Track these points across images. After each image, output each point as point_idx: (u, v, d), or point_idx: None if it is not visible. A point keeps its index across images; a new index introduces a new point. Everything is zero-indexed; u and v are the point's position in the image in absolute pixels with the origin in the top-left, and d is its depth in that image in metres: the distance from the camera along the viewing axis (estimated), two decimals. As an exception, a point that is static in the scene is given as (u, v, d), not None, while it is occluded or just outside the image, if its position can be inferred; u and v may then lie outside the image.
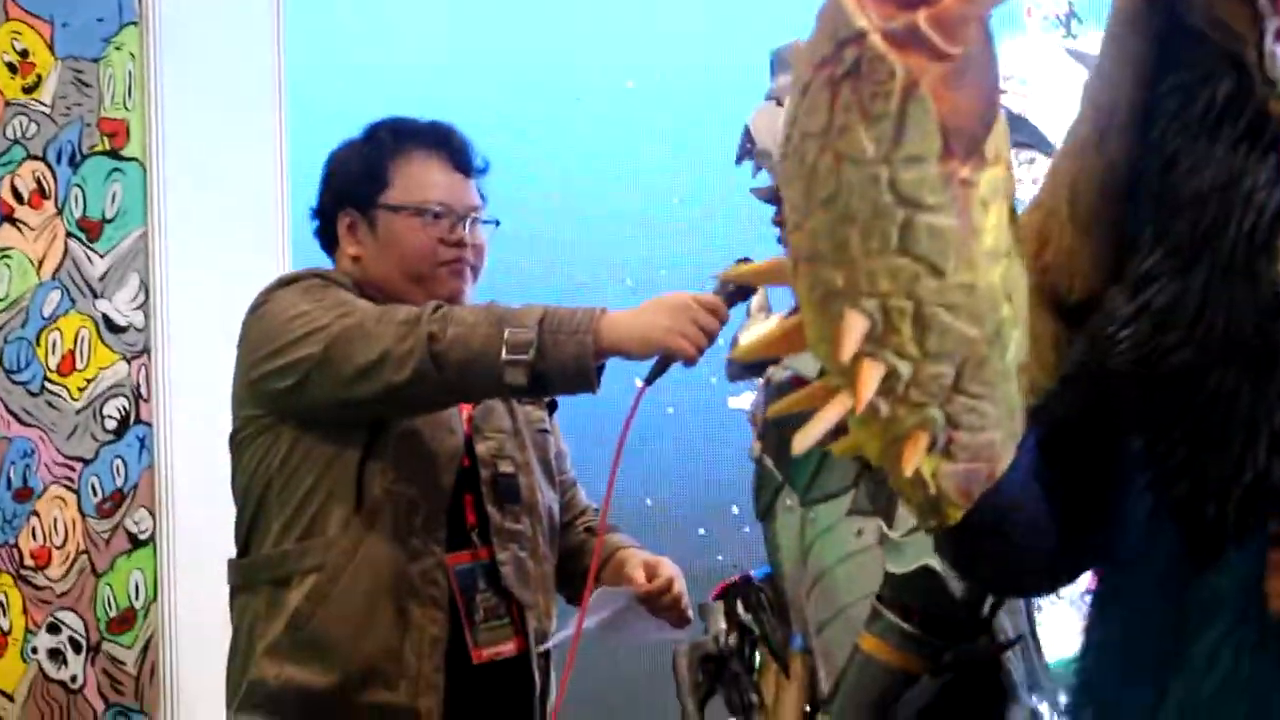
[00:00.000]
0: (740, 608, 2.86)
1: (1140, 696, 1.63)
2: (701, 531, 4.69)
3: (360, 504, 3.00)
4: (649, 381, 2.86)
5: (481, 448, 3.13)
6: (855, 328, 1.49)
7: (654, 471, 4.65)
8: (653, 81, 4.85)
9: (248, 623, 3.09)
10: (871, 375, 1.49)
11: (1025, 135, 3.01)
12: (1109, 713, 1.70)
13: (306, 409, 3.01)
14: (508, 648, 3.10)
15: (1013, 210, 1.53)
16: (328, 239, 3.22)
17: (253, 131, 4.71)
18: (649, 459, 4.62)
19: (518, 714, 3.12)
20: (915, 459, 1.53)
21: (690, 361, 2.85)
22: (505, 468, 3.14)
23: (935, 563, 2.58)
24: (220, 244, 4.64)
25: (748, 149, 2.85)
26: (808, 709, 2.77)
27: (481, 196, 3.20)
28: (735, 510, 4.70)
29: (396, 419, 3.02)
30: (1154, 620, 1.65)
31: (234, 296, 4.57)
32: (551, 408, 3.33)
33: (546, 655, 3.15)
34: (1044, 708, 2.83)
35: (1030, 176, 3.92)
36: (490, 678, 3.08)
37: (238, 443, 3.13)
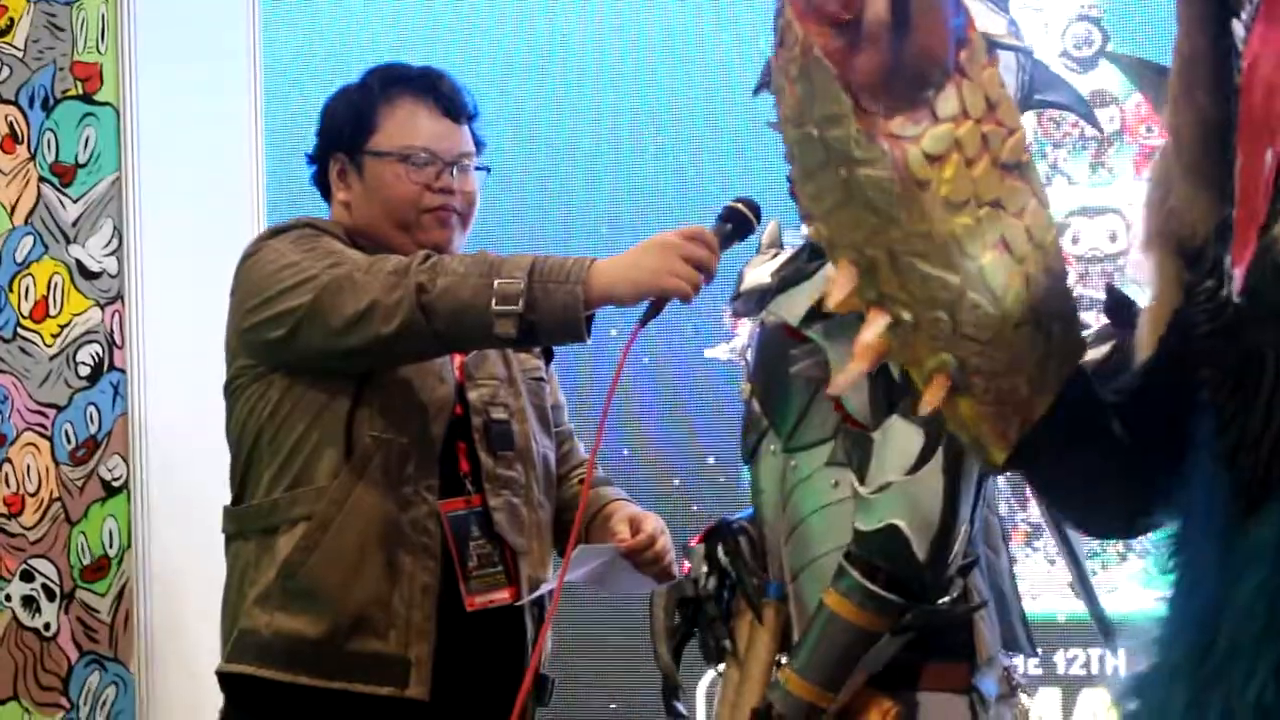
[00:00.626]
0: (720, 551, 2.86)
1: (1199, 637, 1.67)
2: (677, 482, 4.68)
3: (350, 453, 2.99)
4: (643, 323, 2.85)
5: (474, 395, 3.12)
6: (843, 275, 1.56)
7: (631, 422, 4.65)
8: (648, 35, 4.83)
9: (239, 571, 3.09)
10: (874, 320, 1.56)
11: (1063, 97, 3.00)
12: (1173, 653, 1.73)
13: (296, 359, 3.00)
14: (501, 595, 3.10)
15: (998, 164, 1.57)
16: (323, 185, 3.21)
17: (227, 76, 4.68)
18: (626, 410, 4.61)
19: (510, 662, 3.12)
20: (935, 399, 1.60)
21: (685, 298, 2.83)
22: (498, 414, 3.13)
23: (902, 522, 2.59)
24: (194, 189, 4.61)
25: (766, 81, 2.83)
26: (780, 658, 2.76)
27: (478, 143, 3.19)
28: (711, 460, 4.70)
29: (385, 368, 3.01)
30: (1210, 568, 1.68)
31: (208, 242, 4.57)
32: (548, 357, 3.31)
33: (540, 604, 3.14)
34: (1020, 662, 2.83)
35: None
36: (483, 626, 3.08)
37: (231, 392, 3.12)
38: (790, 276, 2.79)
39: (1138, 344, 1.91)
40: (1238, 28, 1.67)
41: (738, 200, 2.90)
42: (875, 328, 1.57)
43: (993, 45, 2.84)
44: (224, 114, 4.67)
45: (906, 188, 1.52)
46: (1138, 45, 4.66)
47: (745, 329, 2.93)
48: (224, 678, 3.09)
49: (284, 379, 3.03)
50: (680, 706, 2.88)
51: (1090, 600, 2.79)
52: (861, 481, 2.66)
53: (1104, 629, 2.80)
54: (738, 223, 2.87)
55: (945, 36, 1.53)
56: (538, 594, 3.11)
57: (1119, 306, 1.96)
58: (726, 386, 4.56)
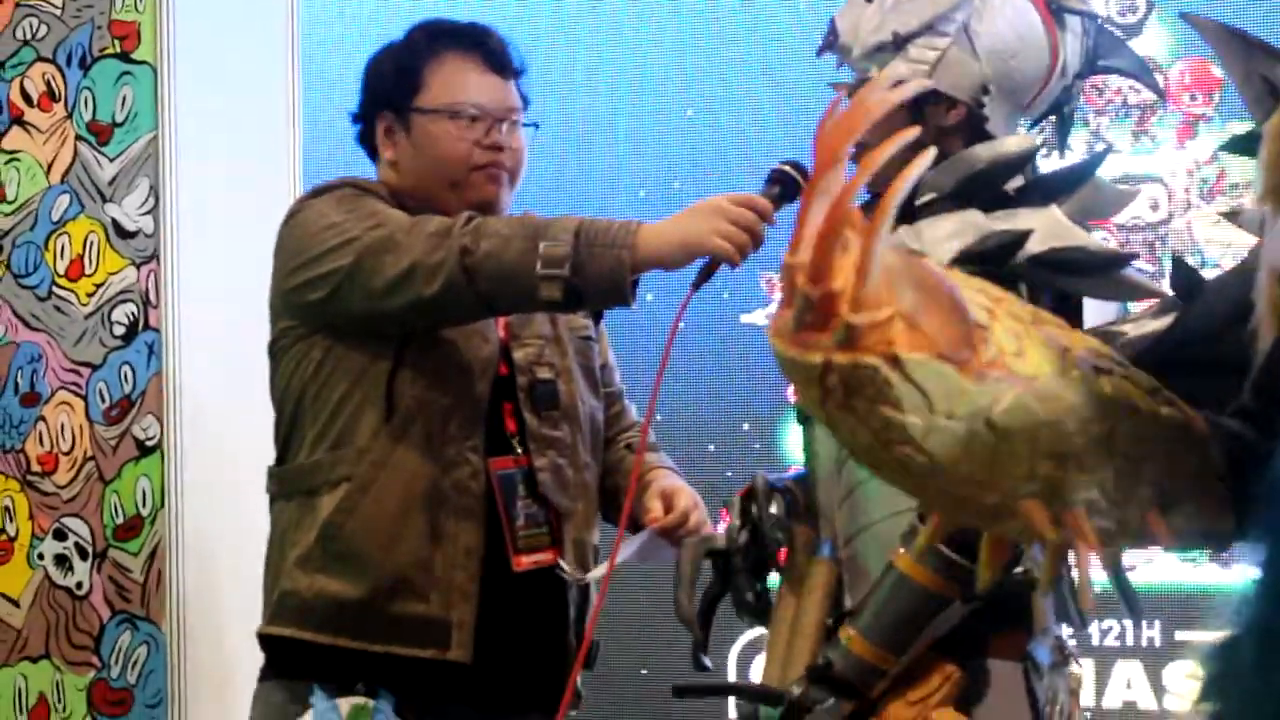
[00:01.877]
0: (752, 508, 2.84)
1: (1273, 605, 1.68)
2: (711, 448, 4.67)
3: (390, 413, 2.97)
4: (695, 286, 2.83)
5: (519, 354, 3.10)
6: (1038, 515, 1.57)
7: (665, 388, 4.61)
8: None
9: (279, 532, 3.08)
10: (1082, 522, 1.58)
11: (1126, 63, 2.96)
12: (1249, 618, 1.74)
13: (338, 320, 2.99)
14: (546, 556, 3.08)
15: (1035, 317, 1.60)
16: (369, 144, 3.18)
17: (264, 34, 4.66)
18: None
19: (553, 624, 3.11)
20: (1164, 531, 1.66)
21: (733, 262, 2.80)
22: (544, 374, 3.11)
23: None
24: (231, 149, 4.60)
25: (830, 41, 2.79)
26: (830, 621, 2.75)
27: (523, 99, 3.15)
28: (746, 427, 4.68)
29: (427, 330, 2.99)
30: None
31: (244, 202, 4.56)
32: (597, 316, 3.28)
33: (584, 565, 3.13)
34: (1068, 634, 2.82)
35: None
36: (525, 588, 3.06)
37: (275, 352, 3.11)
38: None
39: (1256, 302, 1.89)
40: None
41: (785, 163, 2.86)
42: (1086, 527, 1.59)
43: (1061, 10, 2.81)
44: (261, 74, 4.65)
45: (1029, 389, 1.54)
46: (1183, 11, 4.63)
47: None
48: (265, 639, 3.08)
49: (326, 340, 3.01)
50: (706, 660, 2.86)
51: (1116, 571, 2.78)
52: None
53: (1128, 601, 2.78)
54: (786, 185, 2.84)
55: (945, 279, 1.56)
56: (586, 578, 3.09)
57: (1184, 278, 1.94)
58: (763, 352, 4.52)
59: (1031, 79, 2.79)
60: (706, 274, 2.82)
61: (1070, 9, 2.80)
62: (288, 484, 3.07)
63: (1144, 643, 4.61)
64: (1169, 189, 4.58)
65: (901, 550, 2.61)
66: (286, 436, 3.09)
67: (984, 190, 2.70)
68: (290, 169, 4.62)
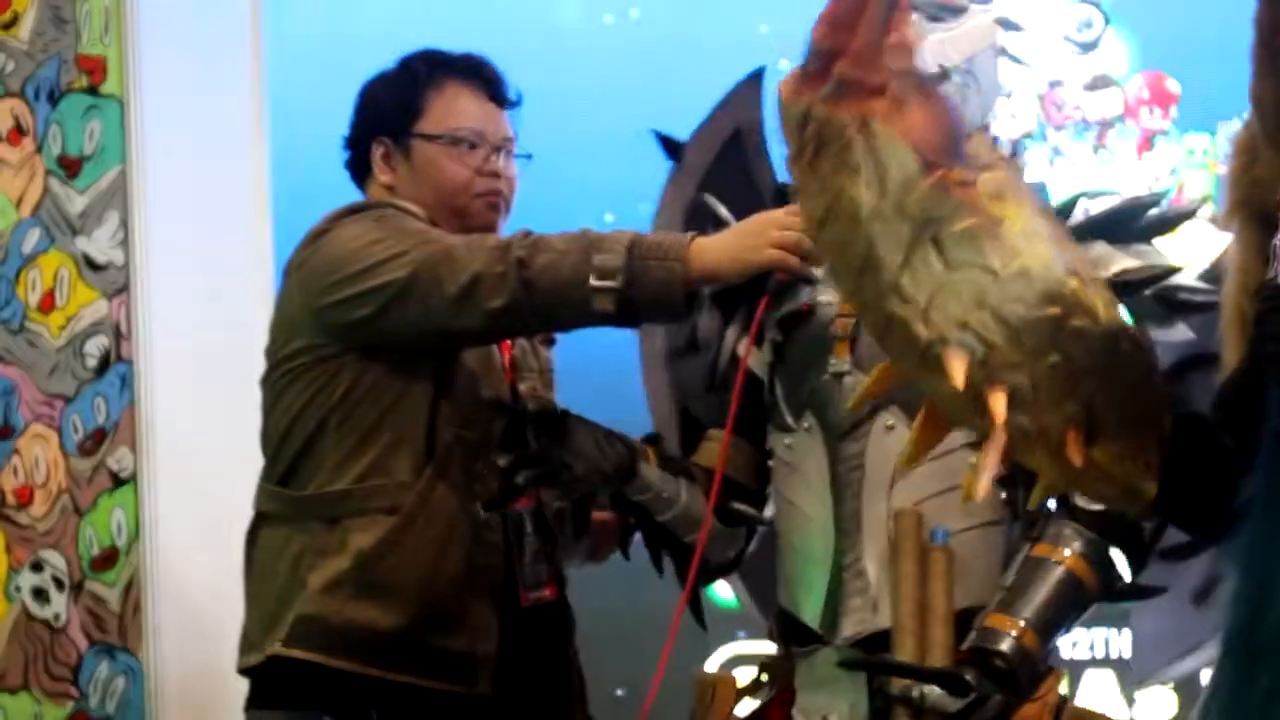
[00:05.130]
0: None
1: (1250, 613, 1.71)
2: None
3: (431, 448, 2.96)
4: (767, 295, 2.84)
5: (523, 388, 3.12)
6: (956, 363, 1.55)
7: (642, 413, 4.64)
8: (631, 15, 4.83)
9: (291, 555, 3.01)
10: (998, 401, 1.56)
11: None
12: (1227, 628, 1.77)
13: (381, 339, 2.94)
14: (546, 592, 3.11)
15: (1034, 200, 1.58)
16: (358, 169, 3.18)
17: (231, 68, 4.68)
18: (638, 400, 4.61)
19: (557, 656, 3.13)
20: (1079, 453, 1.60)
21: (793, 271, 2.81)
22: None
23: None
24: (199, 181, 4.62)
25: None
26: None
27: (515, 130, 3.17)
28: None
29: (459, 359, 2.98)
30: (1266, 548, 1.72)
31: (213, 233, 4.58)
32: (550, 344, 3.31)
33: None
34: None
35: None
36: (533, 622, 3.09)
37: (288, 370, 3.04)
38: None
39: (1221, 314, 1.92)
40: None
41: None
42: (1000, 404, 1.55)
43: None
44: (228, 106, 4.67)
45: (992, 228, 1.53)
46: (1138, 27, 4.67)
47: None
48: (275, 662, 3.01)
49: (357, 363, 2.97)
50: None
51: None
52: None
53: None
54: None
55: (944, 83, 1.56)
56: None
57: None
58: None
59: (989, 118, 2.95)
60: (774, 287, 2.83)
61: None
62: (303, 509, 3.01)
63: (1114, 654, 4.64)
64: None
65: (1061, 549, 2.71)
66: (296, 460, 3.03)
67: (1116, 226, 2.83)
68: (259, 200, 4.63)
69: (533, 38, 4.76)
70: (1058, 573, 2.70)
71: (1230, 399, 1.79)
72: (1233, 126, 4.53)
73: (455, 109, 3.11)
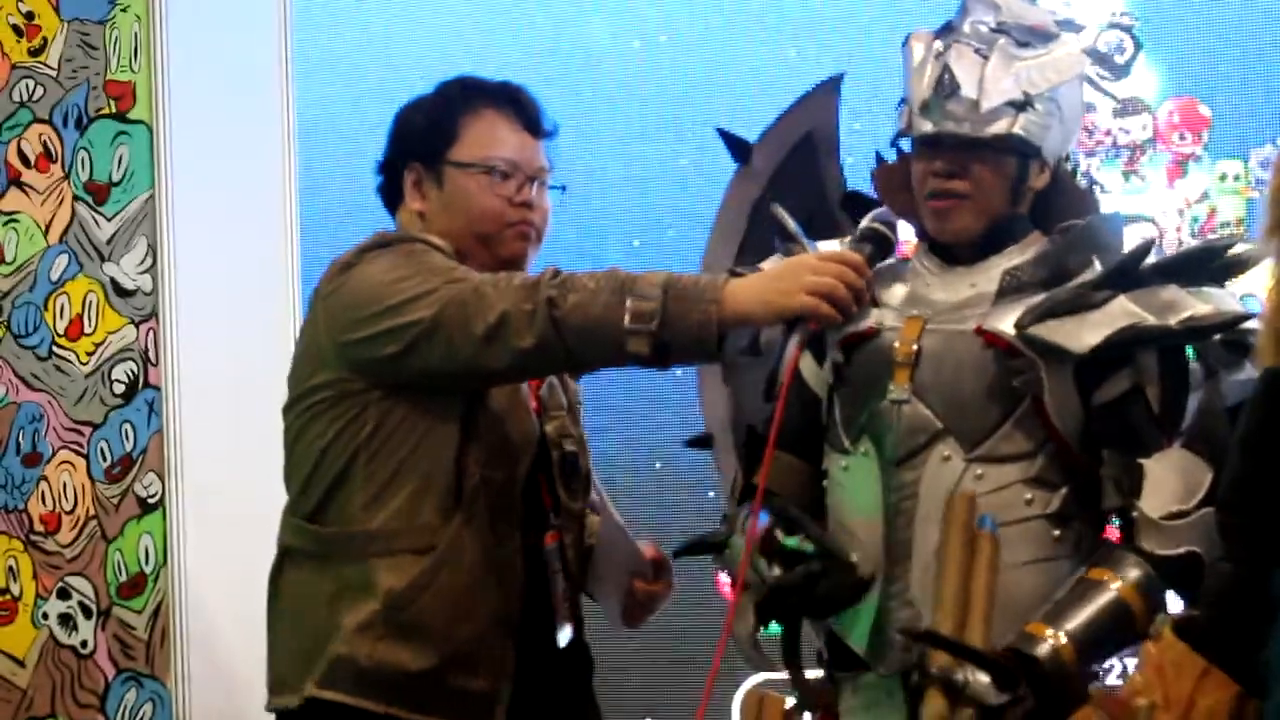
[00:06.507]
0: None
1: None
2: (712, 494, 4.67)
3: (460, 489, 2.94)
4: (800, 347, 2.81)
5: (550, 427, 3.08)
6: None
7: (663, 436, 4.64)
8: (659, 42, 4.83)
9: (326, 594, 2.98)
10: None
11: None
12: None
13: (409, 377, 2.91)
14: (571, 628, 3.10)
15: None
16: (390, 195, 3.14)
17: (259, 93, 4.69)
18: (657, 424, 4.61)
19: (579, 695, 3.12)
20: None
21: (828, 317, 2.77)
22: (569, 446, 3.11)
23: (1201, 550, 2.64)
24: (227, 206, 4.62)
25: (949, 88, 2.79)
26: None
27: (550, 160, 3.14)
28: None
29: (487, 398, 2.96)
30: None
31: (240, 259, 4.58)
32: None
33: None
34: None
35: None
36: (554, 660, 3.07)
37: (311, 405, 3.00)
38: (1067, 301, 2.77)
39: (1259, 335, 1.91)
40: None
41: (875, 219, 2.87)
42: None
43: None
44: (257, 132, 4.68)
45: None
46: (1170, 52, 4.66)
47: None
48: (313, 704, 2.98)
49: (383, 400, 2.93)
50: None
51: None
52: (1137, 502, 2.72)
53: None
54: (878, 242, 2.83)
55: None
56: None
57: None
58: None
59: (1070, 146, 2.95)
60: (807, 333, 2.80)
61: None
62: (332, 547, 2.98)
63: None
64: (1160, 228, 4.61)
65: (1118, 576, 2.69)
66: (325, 496, 2.99)
67: (1189, 270, 2.80)
68: (286, 225, 4.63)
69: (563, 62, 4.76)
70: (1108, 596, 2.67)
71: (1260, 420, 1.78)
72: (1265, 152, 4.53)
73: (490, 137, 3.07)
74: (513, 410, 3.00)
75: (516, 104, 3.09)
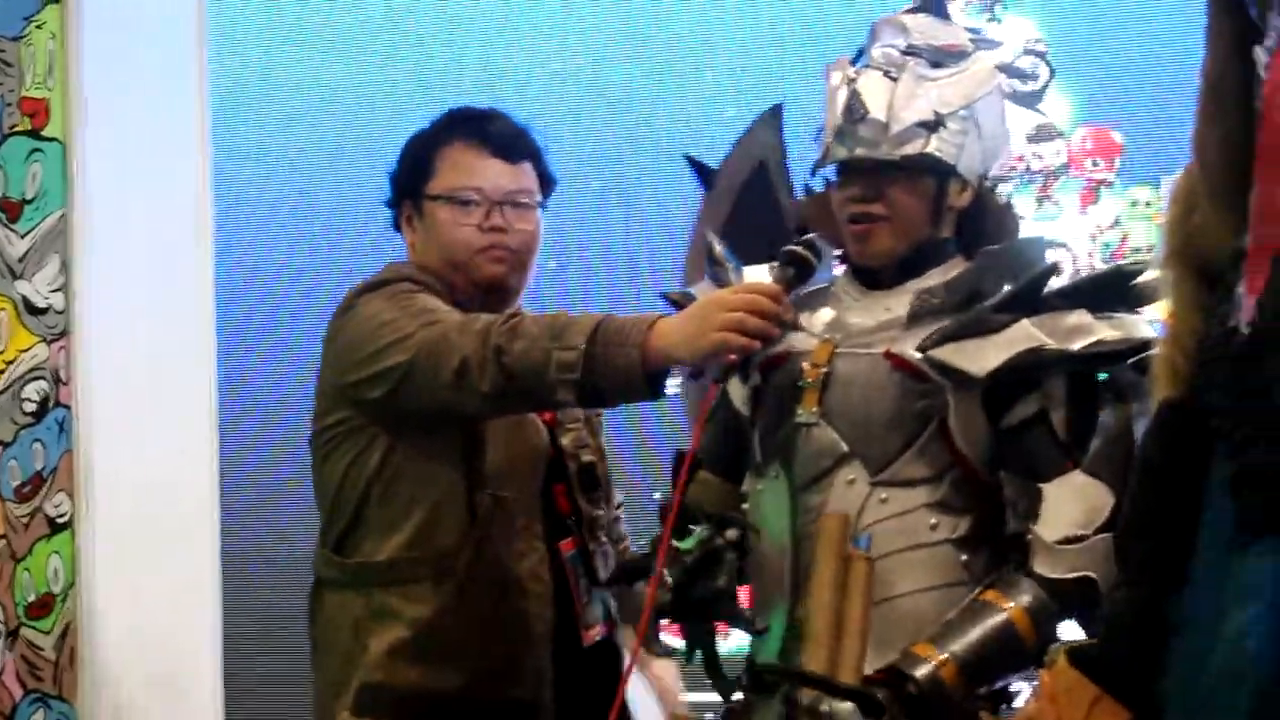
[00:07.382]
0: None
1: (1192, 666, 1.74)
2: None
3: (473, 513, 3.01)
4: (716, 380, 2.82)
5: (566, 439, 3.17)
6: None
7: (659, 466, 4.64)
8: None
9: (351, 621, 3.06)
10: None
11: None
12: (1169, 681, 1.83)
13: (403, 415, 3.00)
14: (600, 629, 3.16)
15: None
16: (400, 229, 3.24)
17: (174, 112, 4.67)
18: (652, 455, 4.62)
19: (611, 693, 3.14)
20: None
21: (742, 348, 2.75)
22: (586, 456, 3.20)
23: (1096, 575, 2.65)
24: (141, 226, 4.60)
25: (857, 114, 2.81)
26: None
27: (543, 179, 3.18)
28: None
29: (487, 424, 3.03)
30: (1207, 601, 1.74)
31: (154, 278, 4.56)
32: None
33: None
34: None
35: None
36: (587, 662, 3.13)
37: (326, 441, 3.10)
38: (970, 324, 2.78)
39: (1153, 363, 1.92)
40: (1260, 54, 1.65)
41: (797, 242, 2.88)
42: None
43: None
44: (171, 150, 4.66)
45: None
46: (1083, 78, 4.70)
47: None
48: None
49: (387, 436, 3.02)
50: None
51: None
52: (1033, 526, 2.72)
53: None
54: (798, 265, 2.83)
55: None
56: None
57: None
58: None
59: (996, 164, 2.95)
60: (725, 366, 2.79)
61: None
62: (356, 576, 3.06)
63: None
64: (1073, 254, 4.64)
65: (1012, 602, 2.69)
66: (346, 528, 3.08)
67: (1099, 295, 2.80)
68: (201, 245, 4.62)
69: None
70: (998, 618, 2.68)
71: (1159, 448, 1.78)
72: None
73: (459, 167, 3.14)
74: (520, 427, 3.09)
75: (485, 131, 3.16)
